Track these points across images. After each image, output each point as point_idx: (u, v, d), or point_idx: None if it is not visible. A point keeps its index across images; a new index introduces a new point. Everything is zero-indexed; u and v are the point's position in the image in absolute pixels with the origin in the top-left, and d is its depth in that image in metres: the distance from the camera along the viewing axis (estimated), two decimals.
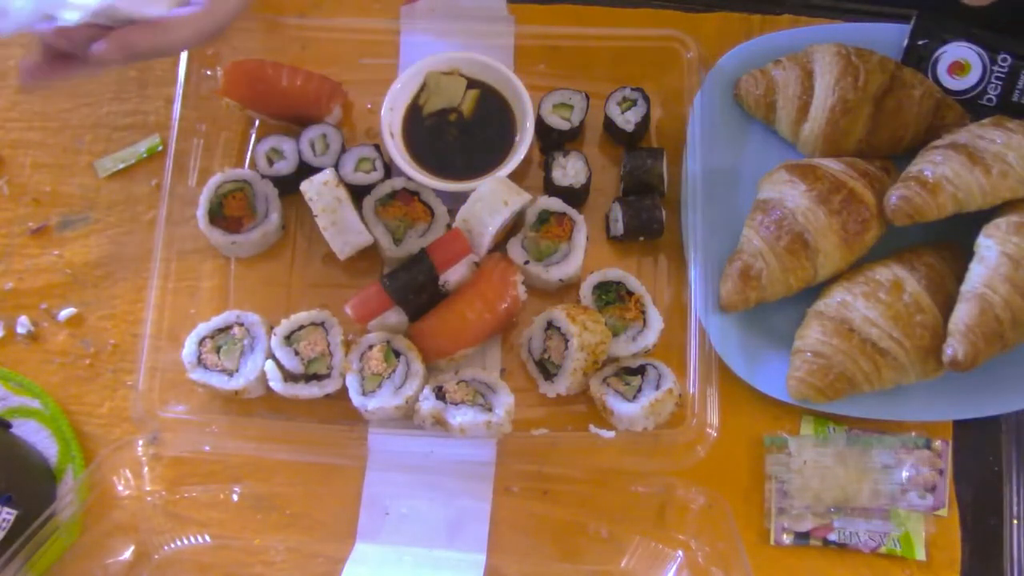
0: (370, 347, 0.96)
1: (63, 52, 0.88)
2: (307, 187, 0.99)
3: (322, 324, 0.98)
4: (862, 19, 1.09)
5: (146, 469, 0.96)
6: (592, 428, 0.95)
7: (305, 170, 1.02)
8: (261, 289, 1.03)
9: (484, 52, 1.06)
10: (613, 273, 1.00)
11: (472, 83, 1.06)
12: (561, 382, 0.95)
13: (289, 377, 0.96)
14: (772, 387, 0.97)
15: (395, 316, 0.97)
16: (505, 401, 0.93)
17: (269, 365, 0.95)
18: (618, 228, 1.02)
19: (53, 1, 0.85)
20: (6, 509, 0.87)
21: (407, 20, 1.09)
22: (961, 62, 1.02)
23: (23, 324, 1.02)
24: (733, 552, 0.88)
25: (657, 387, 0.93)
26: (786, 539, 0.95)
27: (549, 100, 1.05)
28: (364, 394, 0.94)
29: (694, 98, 1.03)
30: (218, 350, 0.97)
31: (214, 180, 1.02)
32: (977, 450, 0.98)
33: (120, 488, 0.94)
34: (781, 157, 1.03)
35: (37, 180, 1.07)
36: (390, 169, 1.04)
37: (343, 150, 1.04)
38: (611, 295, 0.99)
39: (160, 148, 1.08)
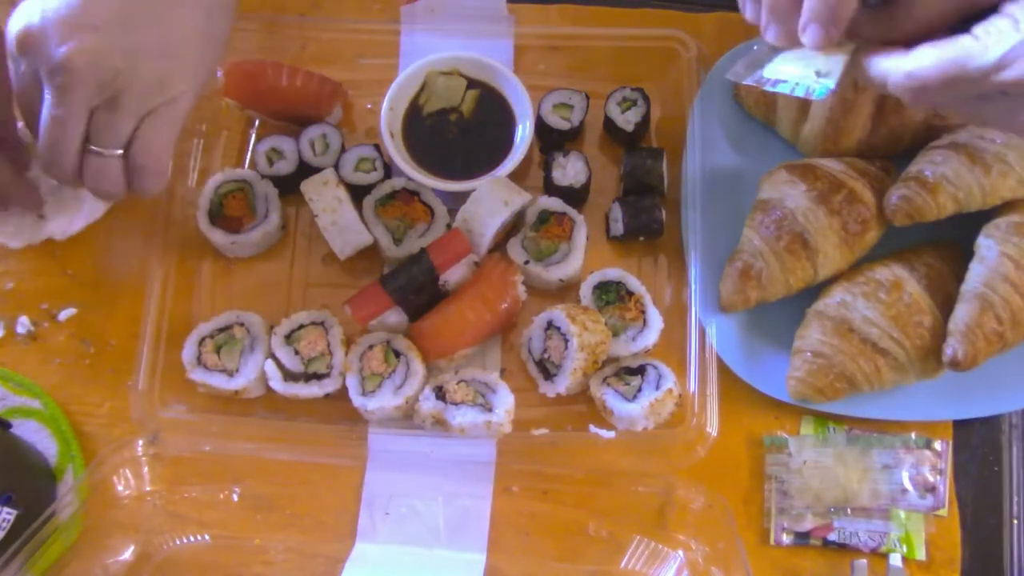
0: (370, 347, 0.96)
1: None
2: (307, 187, 0.99)
3: (322, 323, 0.98)
4: None
5: (146, 469, 0.96)
6: (592, 428, 0.95)
7: (305, 170, 1.02)
8: (261, 289, 1.03)
9: (484, 52, 1.06)
10: (613, 273, 1.00)
11: (472, 83, 1.06)
12: (561, 382, 0.95)
13: (289, 376, 0.96)
14: (772, 387, 0.97)
15: (395, 316, 0.97)
16: (505, 401, 0.93)
17: (269, 364, 0.95)
18: (618, 228, 1.02)
19: None
20: (6, 509, 0.87)
21: (407, 20, 1.09)
22: None
23: (23, 324, 1.02)
24: (733, 552, 0.88)
25: (657, 387, 0.93)
26: (786, 539, 0.95)
27: (549, 100, 1.05)
28: (364, 394, 0.94)
29: (694, 98, 1.03)
30: (218, 350, 0.97)
31: (214, 180, 1.02)
32: (977, 450, 0.98)
33: (120, 488, 0.94)
34: (781, 157, 1.03)
35: None
36: (390, 169, 1.04)
37: (343, 150, 1.04)
38: (611, 295, 0.99)
39: None
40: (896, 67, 0.69)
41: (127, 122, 0.85)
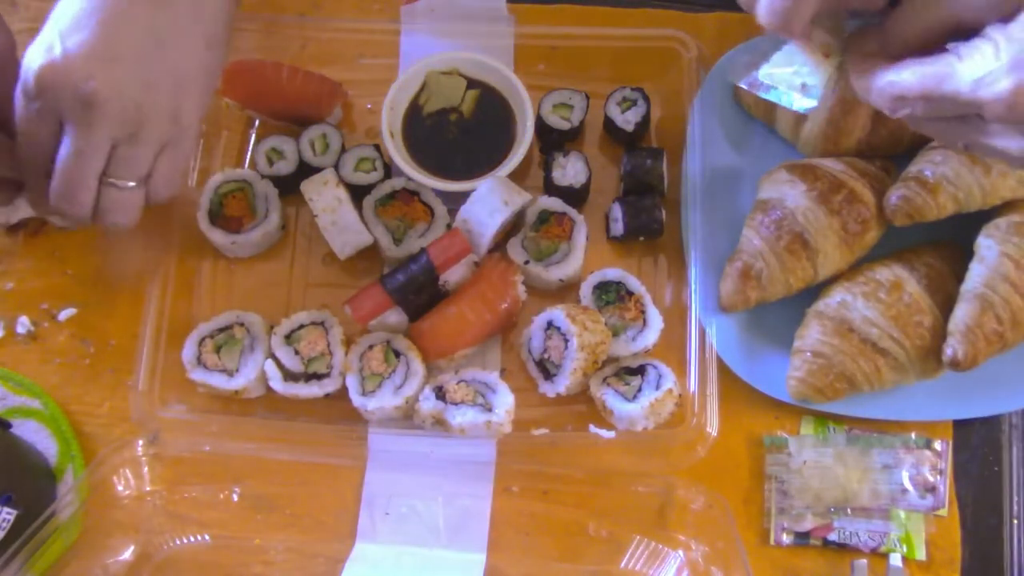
0: (370, 347, 0.96)
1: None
2: (307, 187, 0.99)
3: (322, 323, 0.98)
4: None
5: (146, 469, 0.96)
6: (592, 428, 0.95)
7: (305, 170, 1.02)
8: (261, 289, 1.04)
9: (484, 52, 1.06)
10: (613, 273, 1.00)
11: (472, 83, 1.06)
12: (561, 382, 0.95)
13: (289, 376, 0.96)
14: (772, 387, 0.97)
15: (395, 316, 0.97)
16: (505, 401, 0.93)
17: (269, 364, 0.95)
18: (618, 228, 1.02)
19: None
20: (6, 509, 0.87)
21: (407, 20, 1.09)
22: None
23: (23, 324, 1.02)
24: (733, 552, 0.88)
25: (657, 387, 0.93)
26: (786, 539, 0.95)
27: (549, 100, 1.05)
28: (364, 394, 0.94)
29: (694, 98, 1.03)
30: (218, 350, 0.97)
31: (214, 180, 1.02)
32: (977, 450, 0.98)
33: (120, 488, 0.94)
34: (781, 157, 1.02)
35: None
36: (390, 169, 1.04)
37: (343, 150, 1.04)
38: (611, 295, 0.99)
39: None
40: (880, 74, 0.72)
41: (147, 154, 0.86)
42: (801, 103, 0.77)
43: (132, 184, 0.86)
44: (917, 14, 0.70)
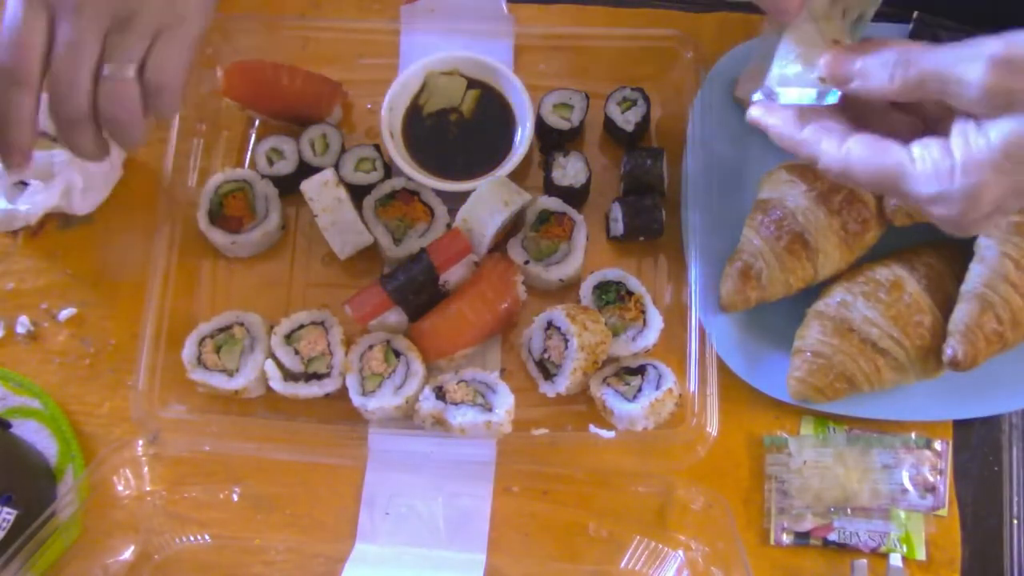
0: (370, 347, 0.96)
1: None
2: (307, 187, 0.99)
3: (322, 323, 0.98)
4: None
5: (146, 469, 0.96)
6: (592, 428, 0.95)
7: (305, 170, 1.02)
8: (261, 289, 1.04)
9: (484, 52, 1.06)
10: (613, 273, 1.00)
11: (472, 83, 1.06)
12: (561, 382, 0.95)
13: (289, 376, 0.96)
14: (772, 387, 0.97)
15: (395, 316, 0.97)
16: (505, 401, 0.93)
17: (269, 364, 0.95)
18: (618, 228, 1.02)
19: None
20: (6, 509, 0.87)
21: (407, 20, 1.09)
22: None
23: (23, 324, 1.02)
24: (733, 552, 0.88)
25: (657, 387, 0.93)
26: (786, 539, 0.95)
27: (549, 100, 1.05)
28: (364, 394, 0.94)
29: (694, 98, 1.03)
30: (218, 350, 0.97)
31: (214, 180, 1.02)
32: (977, 450, 0.98)
33: (120, 488, 0.94)
34: (781, 157, 1.02)
35: None
36: (390, 169, 1.04)
37: (343, 150, 1.04)
38: (611, 295, 0.99)
39: None
40: (834, 155, 0.72)
41: (140, 41, 0.84)
42: (826, 97, 0.75)
43: (131, 74, 0.84)
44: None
